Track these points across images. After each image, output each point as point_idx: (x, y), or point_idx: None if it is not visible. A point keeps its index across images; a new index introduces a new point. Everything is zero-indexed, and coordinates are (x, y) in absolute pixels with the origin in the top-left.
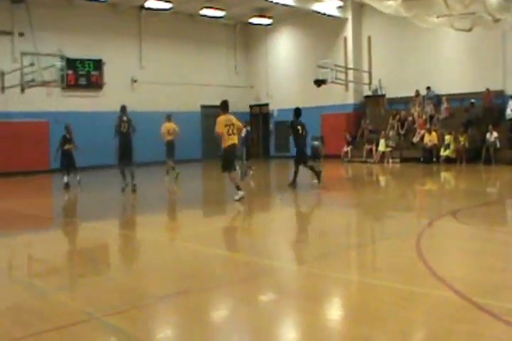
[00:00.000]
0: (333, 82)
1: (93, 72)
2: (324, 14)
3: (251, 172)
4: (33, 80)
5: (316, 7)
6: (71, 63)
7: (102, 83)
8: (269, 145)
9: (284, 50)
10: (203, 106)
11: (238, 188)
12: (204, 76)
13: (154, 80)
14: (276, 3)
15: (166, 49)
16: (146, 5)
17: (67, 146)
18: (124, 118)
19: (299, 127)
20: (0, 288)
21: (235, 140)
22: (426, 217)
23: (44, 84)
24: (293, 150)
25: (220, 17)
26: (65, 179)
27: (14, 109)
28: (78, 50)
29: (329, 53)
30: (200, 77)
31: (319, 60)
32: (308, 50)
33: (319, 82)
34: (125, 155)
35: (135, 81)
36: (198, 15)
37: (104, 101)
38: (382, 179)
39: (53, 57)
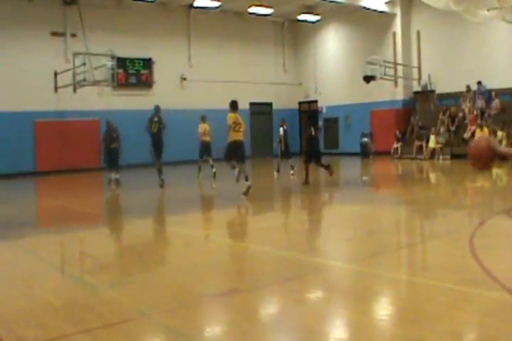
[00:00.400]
0: (382, 78)
1: (143, 71)
2: (373, 10)
3: (292, 172)
4: (84, 80)
5: (364, 3)
6: (121, 62)
7: (152, 82)
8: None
9: (332, 47)
10: (252, 104)
11: (246, 179)
12: (252, 73)
13: (203, 78)
14: (324, 0)
15: (215, 47)
16: (195, 4)
17: (114, 145)
18: (155, 118)
19: (312, 129)
20: (54, 284)
21: (239, 136)
22: (478, 215)
23: (95, 83)
24: (342, 147)
25: (268, 15)
26: (112, 177)
27: (66, 108)
28: (128, 50)
29: (378, 49)
30: (249, 75)
31: (368, 56)
32: (356, 47)
33: (368, 78)
34: (157, 154)
35: (184, 79)
36: (246, 13)
37: (154, 100)
38: (432, 176)
39: (104, 56)
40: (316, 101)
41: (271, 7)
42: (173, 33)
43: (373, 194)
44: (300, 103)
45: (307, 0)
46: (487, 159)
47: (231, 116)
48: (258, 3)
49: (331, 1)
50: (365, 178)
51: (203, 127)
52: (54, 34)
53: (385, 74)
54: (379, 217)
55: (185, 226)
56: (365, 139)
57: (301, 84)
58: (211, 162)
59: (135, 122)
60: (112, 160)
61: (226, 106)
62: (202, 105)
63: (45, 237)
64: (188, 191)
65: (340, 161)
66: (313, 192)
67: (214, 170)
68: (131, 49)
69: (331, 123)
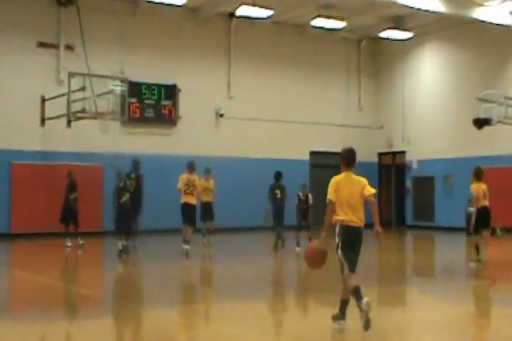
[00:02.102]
0: (501, 122)
1: (164, 102)
2: (491, 23)
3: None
4: (83, 110)
5: (477, 14)
6: (135, 89)
7: (177, 117)
8: (405, 209)
9: (429, 76)
10: (313, 153)
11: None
12: (315, 111)
13: (246, 115)
14: (419, 10)
15: (264, 73)
16: (238, 12)
17: (123, 198)
18: (133, 175)
19: (277, 191)
20: None
21: (191, 199)
22: None
23: (98, 115)
24: (439, 218)
25: (339, 29)
26: (120, 244)
27: (57, 148)
28: (145, 72)
29: (496, 80)
30: (310, 113)
31: (481, 91)
32: (464, 76)
33: (481, 122)
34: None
35: (221, 115)
36: (308, 27)
37: (179, 142)
38: None
39: (111, 79)
40: (403, 153)
41: (343, 19)
42: (207, 52)
43: (486, 290)
44: (381, 154)
45: (394, 9)
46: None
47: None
48: (326, 15)
49: (427, 11)
50: (472, 265)
51: (205, 184)
52: (42, 45)
53: (506, 117)
54: (503, 329)
55: (221, 323)
56: (472, 209)
57: (382, 127)
58: (211, 227)
59: (152, 171)
60: (124, 221)
61: (275, 154)
62: (242, 152)
63: (17, 328)
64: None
65: (436, 238)
66: (394, 282)
67: (210, 239)
68: (150, 71)
69: (424, 184)
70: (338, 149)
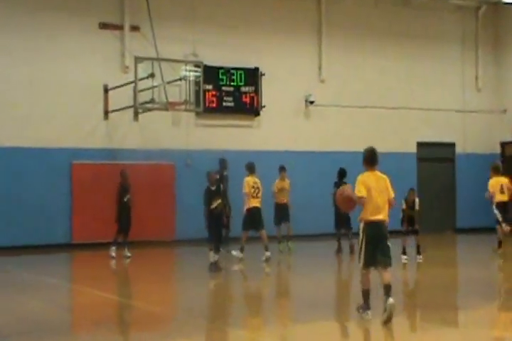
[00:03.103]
0: None
1: (245, 89)
2: None
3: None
4: (152, 101)
5: None
6: (211, 74)
7: (259, 106)
8: None
9: None
10: (421, 144)
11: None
12: (423, 95)
13: (341, 101)
14: None
15: (361, 51)
16: None
17: (214, 204)
18: (217, 175)
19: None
20: None
21: (258, 203)
22: None
23: (169, 106)
24: None
25: None
26: (212, 257)
27: (121, 145)
28: (222, 54)
29: None
30: (417, 97)
31: None
32: None
33: None
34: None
35: (311, 102)
36: None
37: (261, 135)
38: None
39: (184, 64)
40: None
41: None
42: (293, 29)
43: None
44: (504, 144)
45: None
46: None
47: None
48: None
49: None
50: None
51: (280, 184)
52: (104, 26)
53: None
54: None
55: None
56: None
57: (505, 111)
58: (289, 231)
59: (233, 170)
60: (217, 228)
61: (376, 146)
62: (336, 145)
63: None
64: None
65: None
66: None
67: (290, 244)
68: (227, 53)
69: None
70: (452, 139)
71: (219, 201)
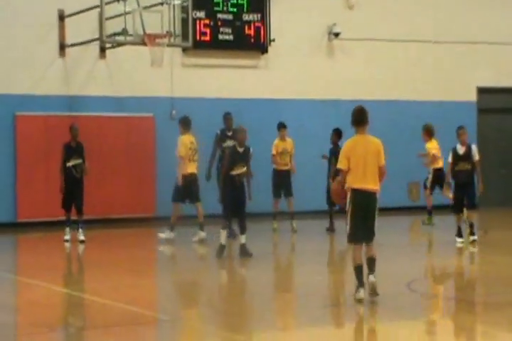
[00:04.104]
0: None
1: (248, 16)
2: None
3: None
4: (124, 32)
5: None
6: None
7: (267, 40)
8: None
9: None
10: (482, 90)
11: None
12: (484, 25)
13: (376, 34)
14: None
15: None
16: None
17: (237, 171)
18: (229, 133)
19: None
20: None
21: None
22: None
23: (147, 40)
24: None
25: None
26: (223, 238)
27: (85, 91)
28: None
29: None
30: (477, 29)
31: None
32: None
33: None
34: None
35: (335, 35)
36: None
37: (269, 79)
38: None
39: None
40: None
41: None
42: None
43: None
44: None
45: None
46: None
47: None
48: None
49: None
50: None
51: (281, 144)
52: None
53: None
54: None
55: None
56: None
57: None
58: (291, 207)
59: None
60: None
61: (423, 94)
62: (369, 91)
63: None
64: None
65: None
66: None
67: (294, 224)
68: None
69: None
70: None
71: (244, 169)
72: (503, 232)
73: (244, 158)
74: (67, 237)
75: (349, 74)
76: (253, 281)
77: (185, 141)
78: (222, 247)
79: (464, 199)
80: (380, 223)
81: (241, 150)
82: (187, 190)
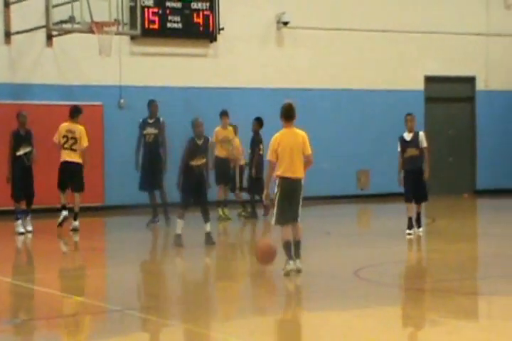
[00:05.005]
0: None
1: (197, 4)
2: None
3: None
4: (71, 19)
5: None
6: None
7: (216, 29)
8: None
9: None
10: (429, 79)
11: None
12: (432, 14)
13: (324, 23)
14: None
15: None
16: None
17: (196, 162)
18: (150, 120)
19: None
20: None
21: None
22: None
23: (94, 28)
24: None
25: None
26: (180, 227)
27: (29, 79)
28: None
29: None
30: (424, 17)
31: None
32: None
33: None
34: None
35: (284, 24)
36: None
37: (218, 67)
38: None
39: None
40: None
41: None
42: None
43: None
44: None
45: None
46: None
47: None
48: None
49: None
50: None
51: (221, 132)
52: None
53: None
54: None
55: None
56: None
57: None
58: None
59: (179, 114)
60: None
61: (370, 83)
62: (317, 80)
63: None
64: None
65: None
66: None
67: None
68: None
69: None
70: (471, 72)
71: (203, 160)
72: (450, 220)
73: (203, 149)
74: (21, 230)
75: (298, 63)
76: (207, 270)
77: (63, 127)
78: (177, 236)
79: (415, 193)
80: (328, 211)
81: (200, 142)
82: (63, 178)
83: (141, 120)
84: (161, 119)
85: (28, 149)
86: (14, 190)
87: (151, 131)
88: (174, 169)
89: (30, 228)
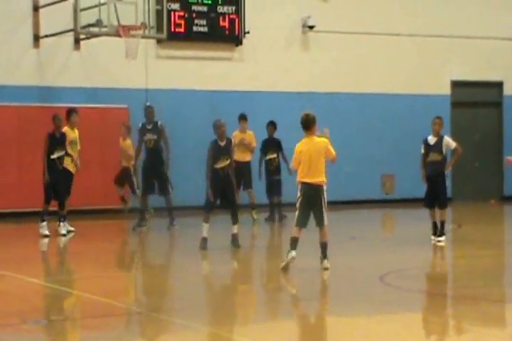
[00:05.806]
0: None
1: (223, 8)
2: None
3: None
4: (98, 23)
5: None
6: None
7: (242, 32)
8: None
9: None
10: (457, 84)
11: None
12: (459, 19)
13: (350, 27)
14: None
15: None
16: None
17: (220, 164)
18: (148, 127)
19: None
20: None
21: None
22: None
23: (121, 31)
24: None
25: None
26: (206, 230)
27: (57, 82)
28: None
29: None
30: (451, 22)
31: None
32: None
33: None
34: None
35: (310, 28)
36: None
37: (245, 70)
38: None
39: None
40: None
41: None
42: None
43: None
44: None
45: None
46: None
47: None
48: None
49: None
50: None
51: (239, 136)
52: None
53: None
54: None
55: None
56: None
57: None
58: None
59: (203, 117)
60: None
61: (395, 87)
62: (342, 84)
63: None
64: None
65: None
66: None
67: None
68: None
69: None
70: (498, 76)
71: (227, 162)
72: (476, 226)
73: (226, 151)
74: (46, 232)
75: (323, 67)
76: (231, 274)
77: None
78: (204, 240)
79: (435, 199)
80: (353, 216)
81: (222, 143)
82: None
83: (140, 124)
84: (159, 123)
85: (61, 153)
86: (45, 193)
87: (150, 136)
88: (177, 172)
89: (64, 231)
